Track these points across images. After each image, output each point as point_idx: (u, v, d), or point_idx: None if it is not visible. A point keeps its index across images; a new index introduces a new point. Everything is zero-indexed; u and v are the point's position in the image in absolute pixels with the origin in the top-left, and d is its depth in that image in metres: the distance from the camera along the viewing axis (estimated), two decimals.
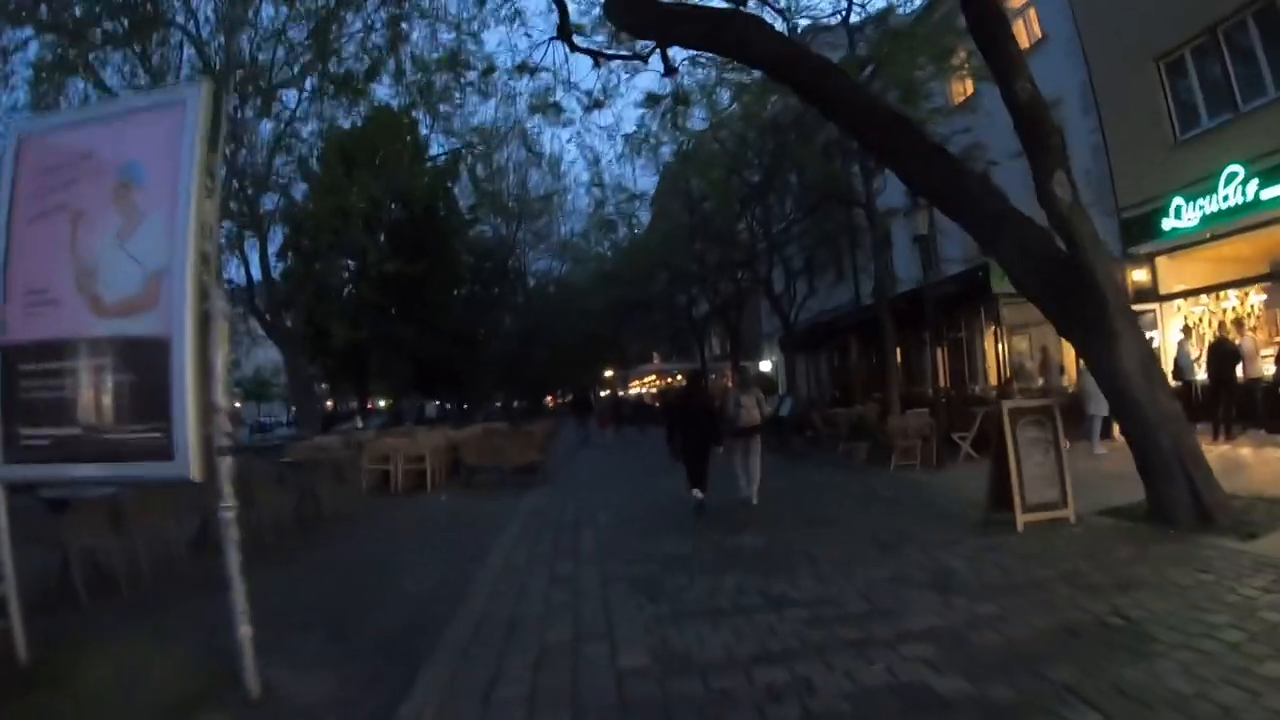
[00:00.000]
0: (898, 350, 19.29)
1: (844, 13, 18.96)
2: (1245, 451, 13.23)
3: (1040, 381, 17.86)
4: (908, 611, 5.96)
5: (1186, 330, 16.69)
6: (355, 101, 27.34)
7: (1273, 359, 15.13)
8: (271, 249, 32.27)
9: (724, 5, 13.43)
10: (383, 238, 35.79)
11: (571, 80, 19.95)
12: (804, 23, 19.38)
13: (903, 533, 9.08)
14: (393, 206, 34.90)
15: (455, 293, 42.53)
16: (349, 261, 34.30)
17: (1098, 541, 7.92)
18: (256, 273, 30.43)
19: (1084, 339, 9.18)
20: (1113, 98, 17.71)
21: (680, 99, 20.31)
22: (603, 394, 63.87)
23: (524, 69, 17.68)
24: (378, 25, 18.58)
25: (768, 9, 16.73)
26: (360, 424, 38.59)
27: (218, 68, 21.91)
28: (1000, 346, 18.09)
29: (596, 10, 15.20)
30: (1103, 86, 17.95)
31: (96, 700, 5.13)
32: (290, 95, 25.93)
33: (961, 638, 5.27)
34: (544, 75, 17.63)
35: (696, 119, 24.28)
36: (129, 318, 5.05)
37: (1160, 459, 8.35)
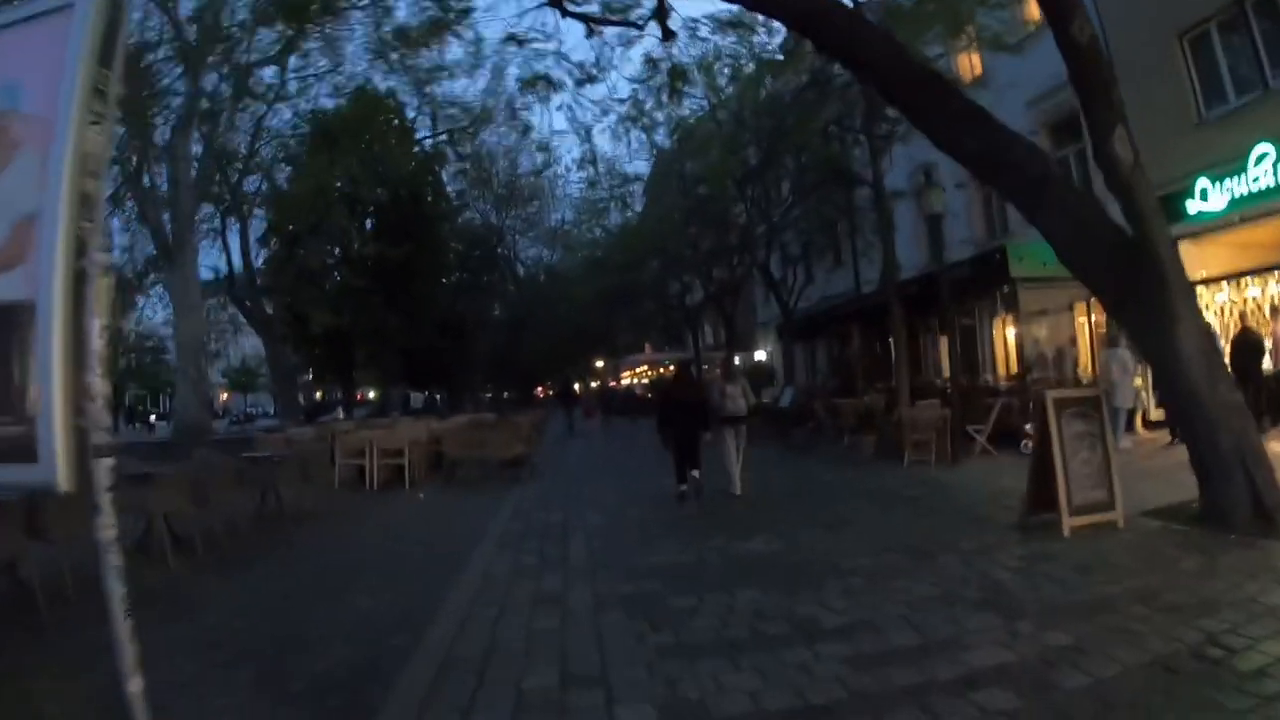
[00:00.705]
0: (898, 339, 18.19)
1: None
2: (1276, 447, 12.27)
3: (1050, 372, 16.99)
4: (968, 642, 4.94)
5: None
6: (337, 85, 27.01)
7: None
8: (254, 235, 31.65)
9: None
10: (368, 223, 35.10)
11: (563, 53, 18.77)
12: None
13: (933, 537, 8.09)
14: (378, 191, 34.24)
15: (443, 281, 41.58)
16: (332, 247, 33.13)
17: (1155, 549, 7.06)
18: (238, 260, 29.74)
19: (1139, 321, 8.19)
20: (1133, 76, 16.64)
21: (677, 74, 19.27)
22: (592, 385, 63.50)
23: (513, 39, 16.70)
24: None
25: None
26: (341, 414, 37.52)
27: (193, 40, 20.96)
28: (1016, 334, 17.00)
29: None
30: (1122, 64, 16.79)
31: None
32: (271, 74, 25.29)
33: (1043, 680, 4.27)
34: (533, 46, 16.65)
35: (693, 98, 23.47)
36: None
37: (1219, 456, 7.49)
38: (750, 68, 20.22)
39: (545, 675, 4.79)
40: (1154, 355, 8.20)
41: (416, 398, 51.32)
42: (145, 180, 23.10)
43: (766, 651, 4.98)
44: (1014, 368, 19.85)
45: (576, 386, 57.53)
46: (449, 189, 40.88)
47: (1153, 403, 15.67)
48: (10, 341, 3.80)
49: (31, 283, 3.75)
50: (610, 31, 15.80)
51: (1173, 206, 15.42)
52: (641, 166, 32.95)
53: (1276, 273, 15.04)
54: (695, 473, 11.75)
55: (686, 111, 23.56)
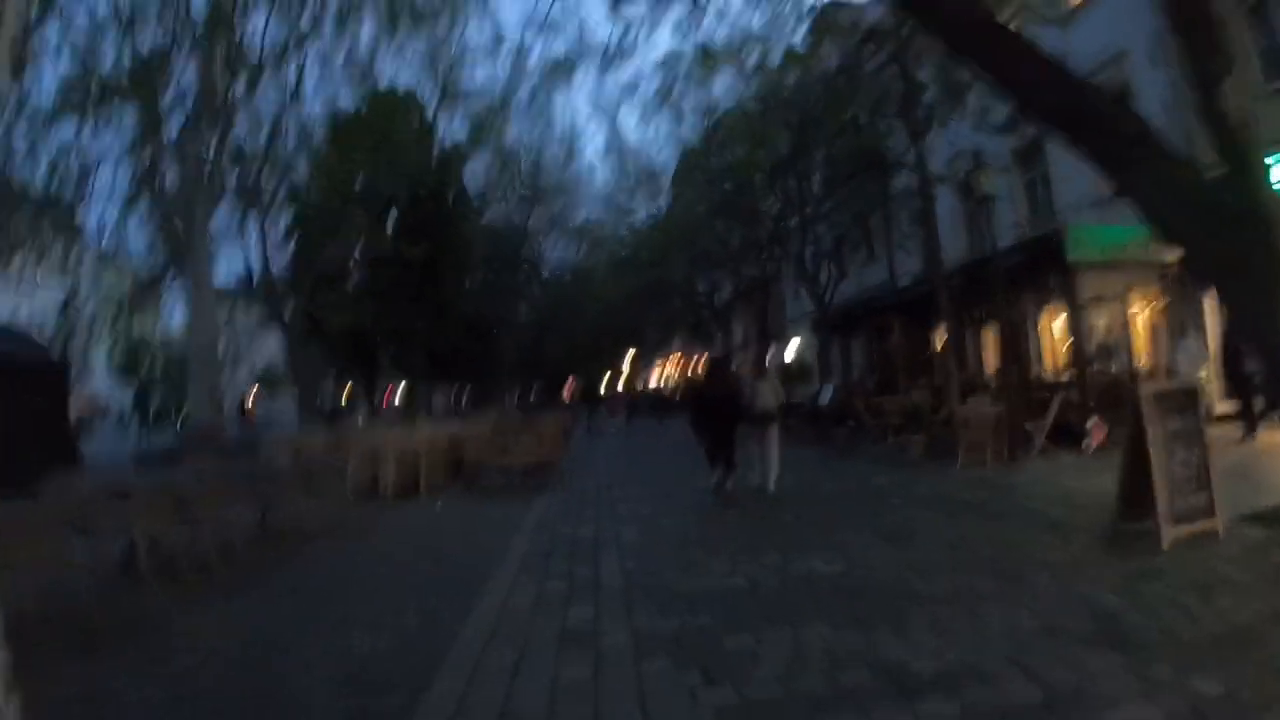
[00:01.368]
0: (947, 332, 17.09)
1: None
2: None
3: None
4: (1099, 693, 4.03)
5: None
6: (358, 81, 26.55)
7: None
8: (275, 237, 31.07)
9: None
10: (389, 222, 34.54)
11: (585, 39, 17.85)
12: None
13: (1014, 551, 7.17)
14: (398, 190, 33.70)
15: (468, 281, 40.88)
16: (351, 248, 32.42)
17: (1273, 563, 6.22)
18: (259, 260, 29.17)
19: (1246, 299, 7.09)
20: None
21: (707, 56, 18.38)
22: (619, 385, 62.85)
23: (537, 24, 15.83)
24: None
25: None
26: (360, 419, 36.77)
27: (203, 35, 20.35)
28: (1066, 324, 15.85)
29: None
30: None
31: None
32: (289, 72, 24.86)
33: None
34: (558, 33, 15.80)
35: (722, 84, 22.59)
36: None
37: None
38: (778, 51, 19.24)
39: None
40: (1263, 337, 7.13)
41: (438, 399, 50.50)
42: (157, 180, 22.54)
43: (854, 712, 3.99)
44: (1062, 361, 18.73)
45: (603, 388, 57.10)
46: (471, 189, 40.12)
47: (1217, 396, 14.55)
48: None
49: None
50: (635, 11, 14.85)
51: None
52: (667, 162, 31.99)
53: None
54: (728, 471, 11.68)
55: (715, 95, 22.65)
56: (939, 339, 21.07)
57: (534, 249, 47.13)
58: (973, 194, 21.28)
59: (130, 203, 23.36)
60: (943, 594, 5.97)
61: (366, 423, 29.55)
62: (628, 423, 38.49)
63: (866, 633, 5.16)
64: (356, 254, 33.92)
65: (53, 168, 21.47)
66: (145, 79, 20.57)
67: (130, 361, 63.65)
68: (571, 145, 66.83)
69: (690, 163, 29.20)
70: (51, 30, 18.79)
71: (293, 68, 24.52)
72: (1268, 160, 12.47)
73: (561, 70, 16.59)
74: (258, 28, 21.97)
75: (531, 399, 55.85)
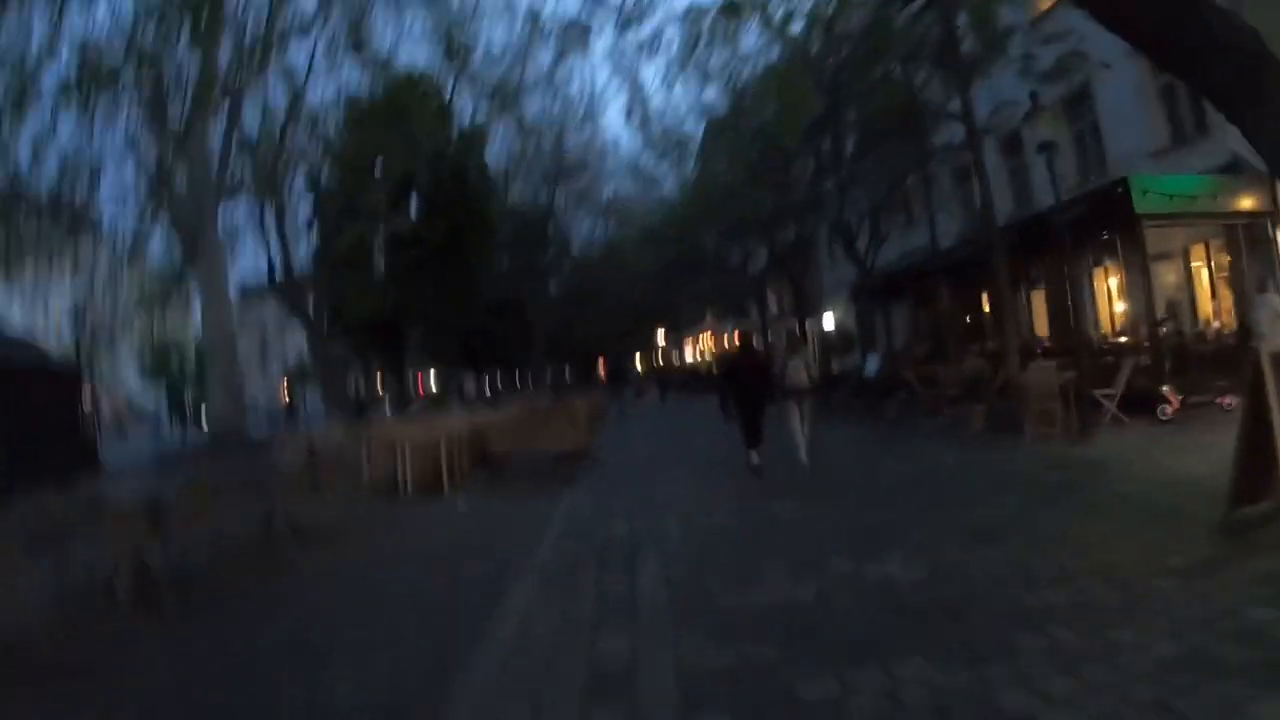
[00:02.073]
0: (1003, 293, 15.74)
1: None
2: None
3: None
4: None
5: None
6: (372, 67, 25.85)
7: None
8: (294, 229, 30.39)
9: None
10: (412, 207, 33.80)
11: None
12: None
13: (1122, 548, 6.06)
14: (418, 172, 32.97)
15: (494, 262, 40.03)
16: (372, 230, 31.53)
17: None
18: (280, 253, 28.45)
19: None
20: None
21: (730, 9, 17.15)
22: (654, 361, 62.07)
23: None
24: None
25: None
26: (387, 410, 35.96)
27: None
28: (1126, 282, 14.54)
29: None
30: None
31: None
32: (301, 58, 24.22)
33: None
34: None
35: (748, 42, 21.29)
36: None
37: None
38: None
39: None
40: None
41: (468, 384, 49.68)
42: (163, 174, 21.84)
43: None
44: (1118, 323, 17.39)
45: (638, 363, 56.39)
46: (494, 168, 39.22)
47: None
48: None
49: None
50: None
51: None
52: (694, 128, 30.60)
53: None
54: (755, 456, 11.54)
55: (742, 53, 21.36)
56: (991, 302, 19.80)
57: (560, 227, 46.25)
58: (1021, 146, 20.22)
59: (140, 201, 22.81)
60: (1058, 611, 4.86)
61: (393, 413, 28.60)
62: (661, 400, 38.01)
63: (977, 670, 4.04)
64: (378, 239, 33.15)
65: (61, 168, 20.84)
66: (143, 62, 19.77)
67: (160, 362, 63.67)
68: (593, 117, 65.78)
69: (718, 126, 27.80)
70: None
71: (302, 54, 23.87)
72: None
73: (577, 31, 15.48)
74: (261, 10, 21.06)
75: (565, 380, 54.96)
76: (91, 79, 18.98)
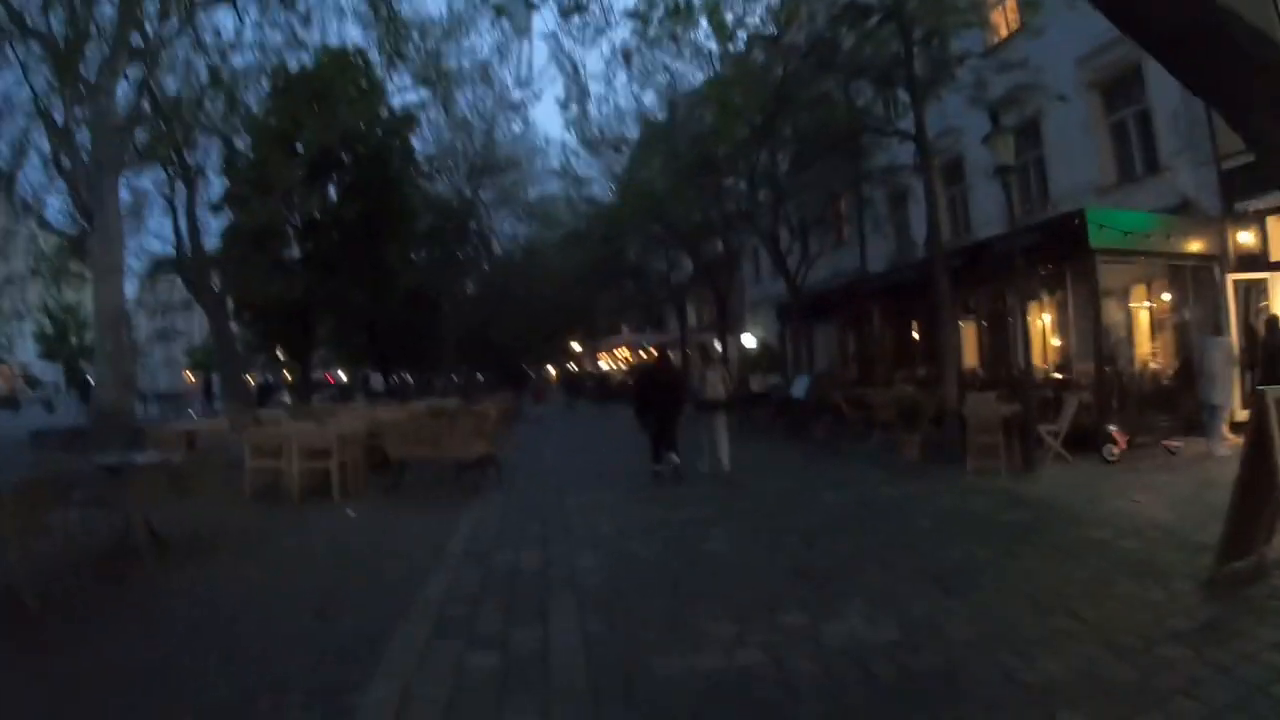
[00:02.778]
0: (945, 320, 15.06)
1: None
2: None
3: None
4: None
5: None
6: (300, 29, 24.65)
7: None
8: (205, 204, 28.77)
9: None
10: (331, 188, 32.29)
11: None
12: None
13: (1111, 604, 5.38)
14: (345, 156, 31.53)
15: (412, 255, 38.56)
16: (288, 210, 29.80)
17: None
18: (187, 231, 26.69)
19: None
20: None
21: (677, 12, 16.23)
22: (569, 368, 61.35)
23: None
24: None
25: None
26: (287, 399, 34.15)
27: None
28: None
29: None
30: None
31: None
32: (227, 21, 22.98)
33: None
34: None
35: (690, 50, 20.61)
36: None
37: None
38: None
39: None
40: None
41: (378, 380, 47.82)
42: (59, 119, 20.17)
43: None
44: (1050, 357, 16.88)
45: (552, 371, 55.78)
46: (420, 155, 37.92)
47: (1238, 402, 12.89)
48: None
49: None
50: None
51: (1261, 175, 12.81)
52: (629, 130, 29.53)
53: None
54: (674, 456, 12.04)
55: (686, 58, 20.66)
56: (925, 328, 19.21)
57: (484, 223, 45.01)
58: (962, 173, 19.74)
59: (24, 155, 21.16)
60: (1063, 687, 4.04)
61: (291, 403, 26.92)
62: (569, 407, 37.49)
63: None
64: (295, 219, 31.47)
65: None
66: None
67: (61, 335, 60.21)
68: (527, 107, 65.21)
69: (654, 132, 26.82)
70: None
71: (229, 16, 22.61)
72: None
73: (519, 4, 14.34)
74: None
75: (477, 382, 53.44)
76: None
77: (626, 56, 19.72)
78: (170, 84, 24.39)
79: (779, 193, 21.95)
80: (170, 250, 27.55)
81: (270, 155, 26.42)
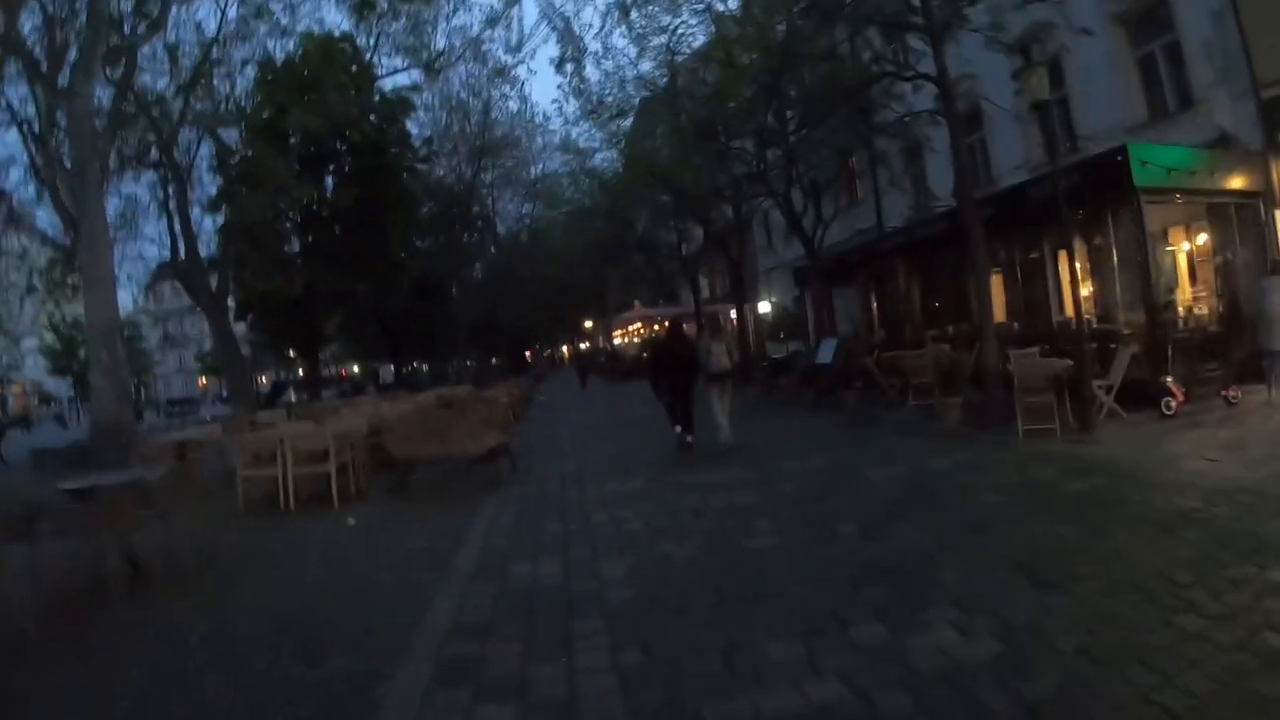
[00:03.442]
0: (980, 272, 14.06)
1: None
2: None
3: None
4: None
5: None
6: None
7: None
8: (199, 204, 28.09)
9: None
10: (328, 179, 31.54)
11: None
12: None
13: (1237, 602, 4.38)
14: (339, 145, 30.70)
15: (418, 243, 37.81)
16: (285, 205, 28.96)
17: None
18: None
19: None
20: None
21: None
22: (581, 346, 61.27)
23: None
24: None
25: None
26: (293, 397, 33.46)
27: None
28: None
29: None
30: None
31: None
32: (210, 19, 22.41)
33: None
34: None
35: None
36: None
37: None
38: None
39: None
40: None
41: (389, 372, 47.25)
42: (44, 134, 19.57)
43: None
44: (1092, 308, 15.88)
45: (565, 351, 55.86)
46: (417, 139, 37.15)
47: None
48: None
49: None
50: None
51: None
52: (630, 96, 28.40)
53: None
54: (689, 435, 12.48)
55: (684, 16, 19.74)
56: (955, 283, 18.23)
57: (487, 205, 44.24)
58: (980, 121, 18.68)
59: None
60: (1220, 711, 3.24)
61: (296, 405, 26.13)
62: (581, 385, 36.89)
63: None
64: (293, 215, 30.66)
65: None
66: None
67: (67, 350, 59.58)
68: (524, 80, 65.13)
69: (656, 98, 25.70)
70: None
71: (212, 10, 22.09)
72: None
73: None
74: None
75: (491, 368, 52.78)
76: None
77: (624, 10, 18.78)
78: (154, 82, 23.90)
79: (790, 152, 20.93)
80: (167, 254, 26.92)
81: (260, 148, 25.73)
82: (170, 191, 25.66)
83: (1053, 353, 12.51)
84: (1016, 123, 18.07)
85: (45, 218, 24.37)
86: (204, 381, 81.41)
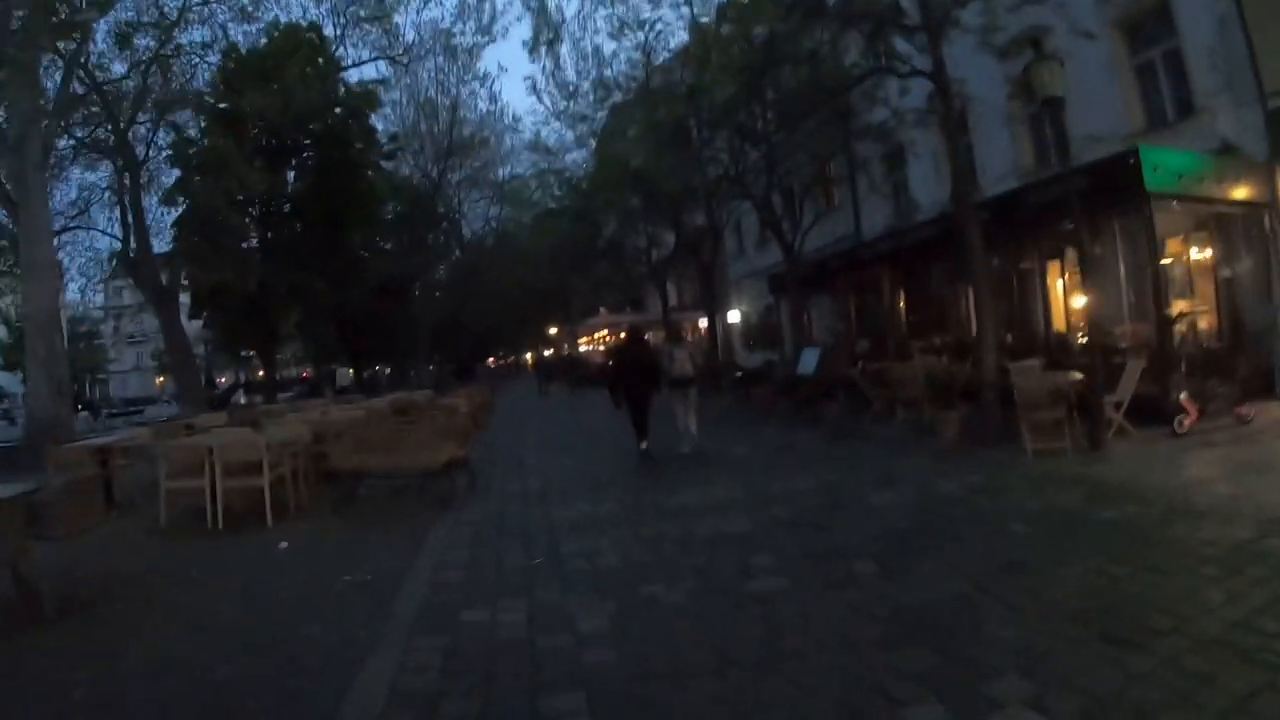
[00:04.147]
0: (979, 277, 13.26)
1: None
2: None
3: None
4: None
5: None
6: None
7: None
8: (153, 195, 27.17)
9: None
10: (289, 174, 30.40)
11: None
12: None
13: None
14: (302, 139, 30.39)
15: (381, 242, 36.82)
16: (244, 198, 27.69)
17: None
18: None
19: None
20: None
21: None
22: (544, 353, 60.86)
23: None
24: None
25: None
26: (243, 399, 32.18)
27: None
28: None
29: None
30: None
31: None
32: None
33: None
34: None
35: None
36: None
37: None
38: None
39: None
40: None
41: (344, 374, 45.96)
42: None
43: None
44: (1077, 320, 15.18)
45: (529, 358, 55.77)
46: (383, 135, 36.26)
47: None
48: None
49: None
50: None
51: None
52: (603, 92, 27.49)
53: None
54: (643, 442, 12.37)
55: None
56: (942, 292, 17.49)
57: (453, 206, 43.29)
58: (966, 127, 17.91)
59: None
60: None
61: (235, 409, 24.87)
62: (541, 393, 35.69)
63: None
64: (252, 209, 29.44)
65: None
66: None
67: (18, 342, 57.64)
68: (491, 87, 65.13)
69: (633, 92, 24.81)
70: None
71: None
72: None
73: None
74: None
75: (455, 370, 51.81)
76: None
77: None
78: (109, 61, 22.81)
79: (771, 154, 20.12)
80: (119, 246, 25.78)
81: (215, 133, 24.63)
82: (125, 180, 24.47)
83: (1050, 365, 11.85)
84: (1004, 129, 17.48)
85: None
86: (160, 381, 79.46)
